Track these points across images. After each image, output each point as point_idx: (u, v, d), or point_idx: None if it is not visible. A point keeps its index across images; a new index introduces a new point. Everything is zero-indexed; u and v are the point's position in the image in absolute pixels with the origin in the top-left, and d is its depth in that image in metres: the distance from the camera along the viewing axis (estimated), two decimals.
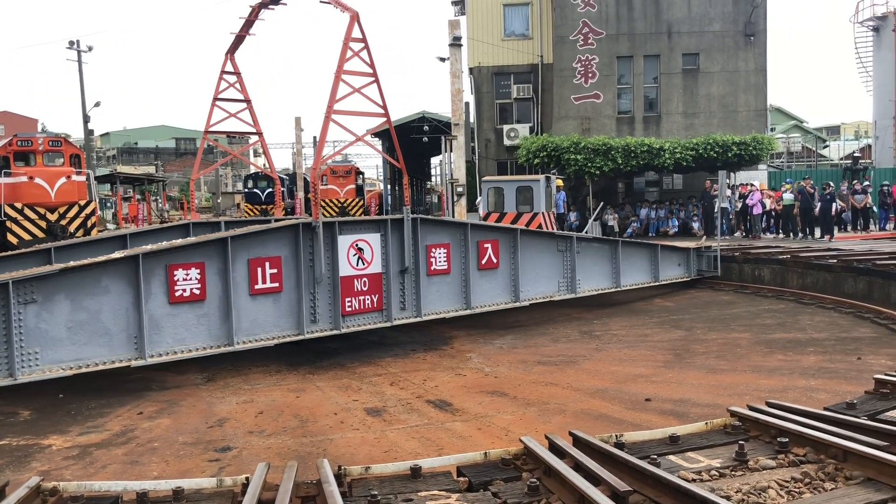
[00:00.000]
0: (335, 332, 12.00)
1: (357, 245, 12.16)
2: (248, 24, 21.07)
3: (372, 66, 14.60)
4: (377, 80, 14.60)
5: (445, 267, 13.24)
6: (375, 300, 12.41)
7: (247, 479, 5.20)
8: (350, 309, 12.11)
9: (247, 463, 7.20)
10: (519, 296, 14.30)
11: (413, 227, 12.74)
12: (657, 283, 17.31)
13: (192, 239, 11.60)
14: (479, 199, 28.13)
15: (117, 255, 10.36)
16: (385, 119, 14.88)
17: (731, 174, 29.35)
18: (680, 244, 19.18)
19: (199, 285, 10.63)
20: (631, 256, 16.65)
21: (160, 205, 56.58)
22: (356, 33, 14.52)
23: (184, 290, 10.51)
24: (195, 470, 7.15)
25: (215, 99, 22.20)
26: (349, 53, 14.36)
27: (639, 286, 16.95)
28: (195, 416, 9.14)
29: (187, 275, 10.55)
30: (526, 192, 22.96)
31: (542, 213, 22.67)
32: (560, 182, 26.82)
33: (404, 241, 12.59)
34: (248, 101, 22.44)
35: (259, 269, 11.19)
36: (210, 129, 22.45)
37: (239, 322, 10.99)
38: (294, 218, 15.57)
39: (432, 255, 13.06)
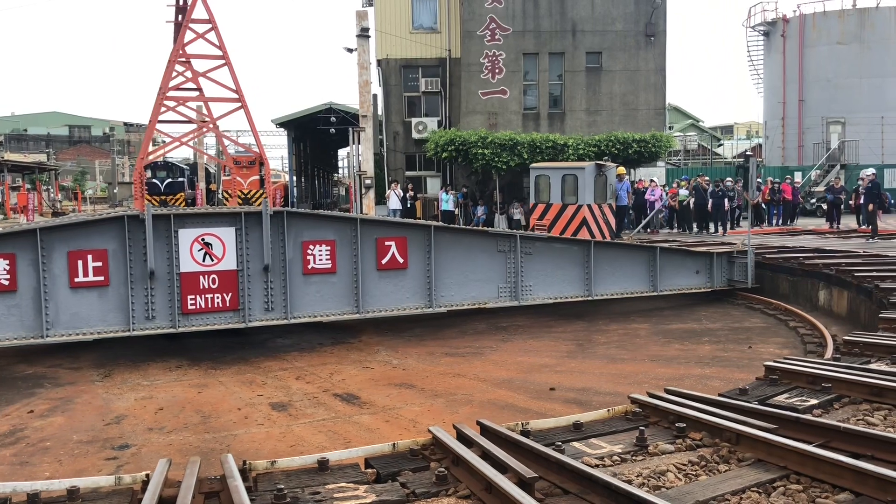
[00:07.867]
0: (172, 330, 11.53)
1: (203, 239, 11.54)
2: (180, 10, 20.20)
3: (222, 48, 14.11)
4: (229, 63, 14.10)
5: (329, 266, 12.27)
6: (228, 299, 11.72)
7: (147, 476, 5.03)
8: (194, 307, 11.53)
9: (146, 461, 6.97)
10: (433, 301, 12.93)
11: (278, 222, 11.93)
12: (655, 294, 14.66)
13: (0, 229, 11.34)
14: (388, 191, 28.03)
15: None
16: (241, 105, 14.41)
17: (631, 170, 30.28)
18: (701, 248, 16.31)
19: (8, 276, 10.48)
20: (617, 260, 14.37)
21: (52, 195, 54.04)
22: (201, 14, 14.01)
23: None
24: (91, 469, 6.88)
25: (163, 90, 21.40)
26: (191, 35, 13.89)
27: (625, 296, 14.48)
28: (91, 414, 8.79)
29: None
30: (571, 182, 20.49)
31: (588, 206, 20.19)
32: (622, 170, 23.66)
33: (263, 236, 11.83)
34: (199, 90, 21.56)
35: (80, 262, 10.90)
36: (160, 120, 21.67)
37: (57, 315, 10.82)
38: (121, 210, 15.09)
39: (310, 252, 12.14)
